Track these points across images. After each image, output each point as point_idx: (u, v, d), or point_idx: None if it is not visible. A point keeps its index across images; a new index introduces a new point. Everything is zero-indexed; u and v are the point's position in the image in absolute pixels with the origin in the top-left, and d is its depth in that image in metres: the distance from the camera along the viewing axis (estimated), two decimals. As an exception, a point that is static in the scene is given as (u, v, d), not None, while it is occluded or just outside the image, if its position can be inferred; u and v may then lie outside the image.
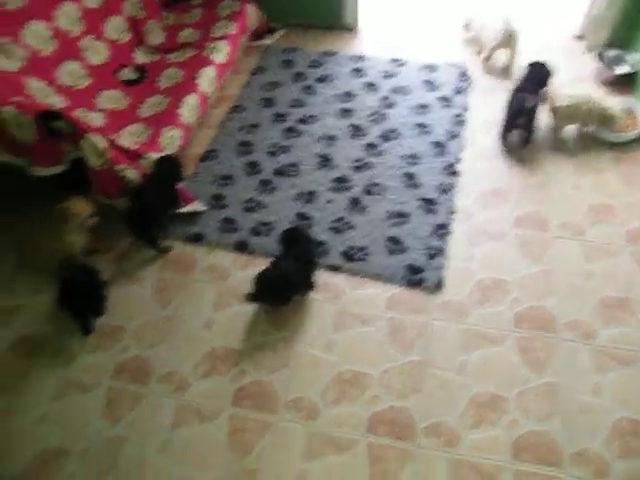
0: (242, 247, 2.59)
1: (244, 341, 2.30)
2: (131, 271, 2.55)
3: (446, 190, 2.75)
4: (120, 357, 2.29)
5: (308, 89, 3.34)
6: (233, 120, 3.19)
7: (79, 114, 2.68)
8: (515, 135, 2.92)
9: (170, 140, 2.69)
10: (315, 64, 3.50)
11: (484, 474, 1.92)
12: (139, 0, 3.25)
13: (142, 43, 3.28)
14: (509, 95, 2.91)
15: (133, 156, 2.53)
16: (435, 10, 3.93)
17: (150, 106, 2.95)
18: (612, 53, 3.26)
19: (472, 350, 2.23)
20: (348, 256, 2.52)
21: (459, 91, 3.25)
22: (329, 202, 2.73)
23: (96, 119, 2.78)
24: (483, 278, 2.44)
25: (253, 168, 2.92)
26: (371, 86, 3.32)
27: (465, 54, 3.53)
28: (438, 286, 2.41)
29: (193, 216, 2.70)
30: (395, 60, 3.48)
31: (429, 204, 2.69)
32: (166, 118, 2.79)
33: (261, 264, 2.38)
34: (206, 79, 3.01)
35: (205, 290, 2.47)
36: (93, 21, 2.99)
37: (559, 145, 2.95)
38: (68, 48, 2.83)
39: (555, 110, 2.88)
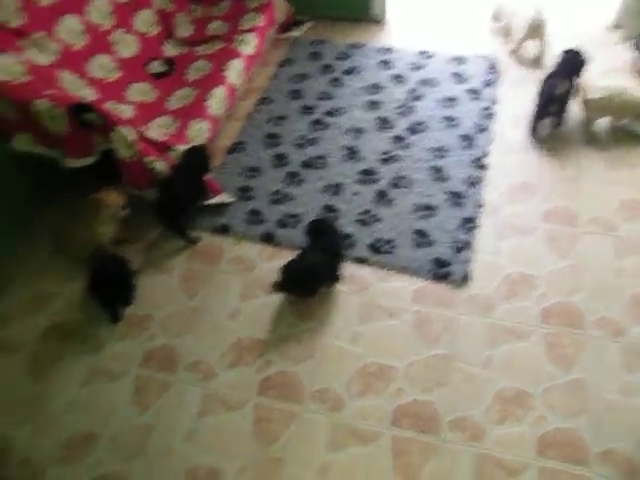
0: (268, 239, 2.61)
1: (270, 332, 2.32)
2: (159, 261, 2.59)
3: (474, 183, 2.72)
4: (148, 345, 2.33)
5: (335, 81, 3.34)
6: (261, 112, 3.21)
7: (109, 106, 2.72)
8: (546, 123, 2.86)
9: (198, 132, 2.71)
10: (343, 56, 3.49)
11: (509, 470, 1.91)
12: (168, -7, 3.29)
13: (171, 36, 3.31)
14: (540, 83, 2.86)
15: (162, 148, 2.57)
16: (464, 1, 3.87)
17: (178, 99, 2.98)
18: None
19: (498, 345, 2.21)
20: (375, 249, 2.52)
21: (488, 83, 3.21)
22: (356, 194, 2.73)
23: (126, 111, 2.82)
24: (510, 272, 2.42)
25: (280, 160, 2.93)
26: (399, 78, 3.30)
27: (495, 45, 3.48)
28: (465, 280, 2.39)
29: (220, 208, 2.73)
30: (423, 52, 3.45)
31: (456, 197, 2.67)
32: (194, 110, 2.82)
33: (287, 256, 2.40)
34: (234, 71, 3.02)
35: (231, 281, 2.49)
36: (123, 15, 3.03)
37: (591, 138, 2.89)
38: (99, 42, 2.88)
39: (587, 102, 2.82)
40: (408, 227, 2.58)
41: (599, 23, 3.53)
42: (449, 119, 3.03)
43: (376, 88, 3.26)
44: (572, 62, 2.85)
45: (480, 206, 2.64)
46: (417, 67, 3.36)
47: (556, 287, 2.35)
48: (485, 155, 2.85)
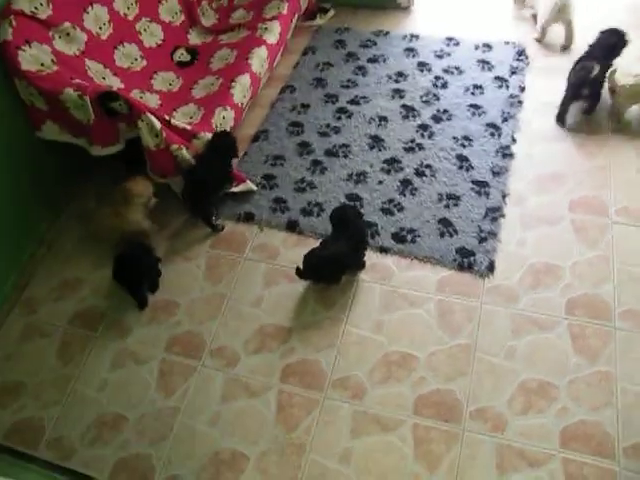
0: (292, 227, 2.62)
1: (293, 319, 2.34)
2: (184, 249, 2.62)
3: (499, 173, 2.69)
4: (173, 331, 2.37)
5: (360, 69, 3.31)
6: (284, 101, 3.21)
7: (135, 95, 2.75)
8: (576, 109, 2.80)
9: (222, 120, 2.72)
10: (367, 44, 3.46)
11: (531, 460, 1.91)
12: (192, -19, 3.29)
13: (195, 24, 3.31)
14: (573, 65, 2.78)
15: (187, 136, 2.59)
16: (492, -14, 3.79)
17: (203, 87, 3.00)
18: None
19: (522, 336, 2.19)
20: (398, 238, 2.51)
21: (515, 71, 3.15)
22: (380, 183, 2.72)
23: (151, 100, 2.84)
24: (535, 263, 2.39)
25: (304, 148, 2.93)
26: (424, 66, 3.26)
27: (522, 32, 3.40)
28: (489, 270, 2.37)
29: (245, 195, 2.74)
30: (449, 39, 3.40)
31: (482, 187, 2.65)
32: (218, 99, 2.83)
33: (311, 244, 2.41)
34: (258, 59, 3.02)
35: (255, 268, 2.51)
36: (148, 4, 3.05)
37: (621, 127, 2.82)
38: (125, 31, 2.90)
39: (619, 90, 2.75)
40: (432, 216, 2.57)
41: (630, 5, 3.42)
42: (475, 107, 2.99)
43: (401, 76, 3.23)
44: (609, 43, 2.77)
45: (505, 195, 2.61)
46: (443, 54, 3.31)
47: (582, 278, 2.32)
48: (511, 144, 2.81)
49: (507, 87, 3.07)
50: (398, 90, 3.15)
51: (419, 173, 2.74)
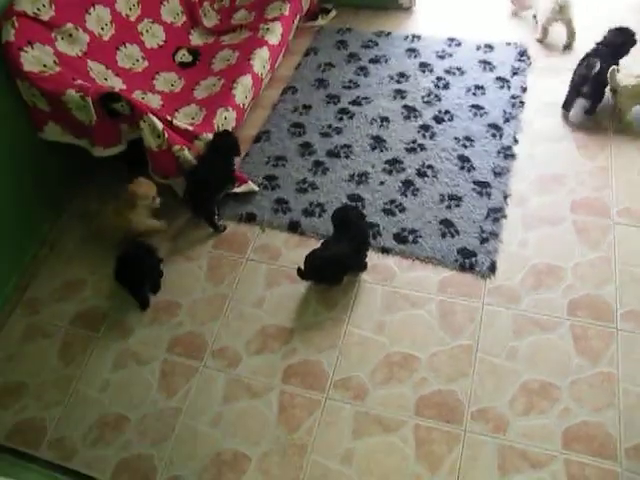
0: (294, 227, 2.62)
1: (294, 320, 2.34)
2: (186, 249, 2.63)
3: (501, 173, 2.69)
4: (175, 332, 2.37)
5: (361, 70, 3.31)
6: (286, 101, 3.21)
7: (137, 96, 2.75)
8: (578, 107, 2.80)
9: (224, 121, 2.73)
10: (368, 45, 3.46)
11: (533, 461, 1.90)
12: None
13: (197, 25, 3.31)
14: (579, 62, 2.79)
15: (189, 137, 2.59)
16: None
17: (204, 88, 3.00)
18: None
19: (523, 336, 2.19)
20: (400, 238, 2.51)
21: (517, 71, 3.15)
22: (381, 184, 2.72)
23: (153, 101, 2.85)
24: (537, 263, 2.38)
25: (306, 149, 2.93)
26: (426, 67, 3.26)
27: (524, 32, 3.39)
28: (490, 270, 2.37)
29: (246, 196, 2.75)
30: (451, 40, 3.39)
31: (483, 187, 2.64)
32: (220, 99, 2.83)
33: (313, 245, 2.41)
34: (259, 60, 3.02)
35: (257, 269, 2.52)
36: (150, 4, 3.05)
37: (624, 127, 2.81)
38: (127, 32, 2.90)
39: (621, 90, 2.74)
40: (434, 217, 2.56)
41: (628, 5, 3.41)
42: (477, 108, 2.99)
43: (402, 77, 3.23)
44: (617, 42, 2.76)
45: (507, 196, 2.61)
46: (444, 55, 3.31)
47: (584, 279, 2.31)
48: (513, 144, 2.81)
49: (509, 88, 3.07)
50: (400, 91, 3.15)
51: (421, 174, 2.74)
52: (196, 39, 3.29)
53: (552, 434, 1.95)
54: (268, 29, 3.19)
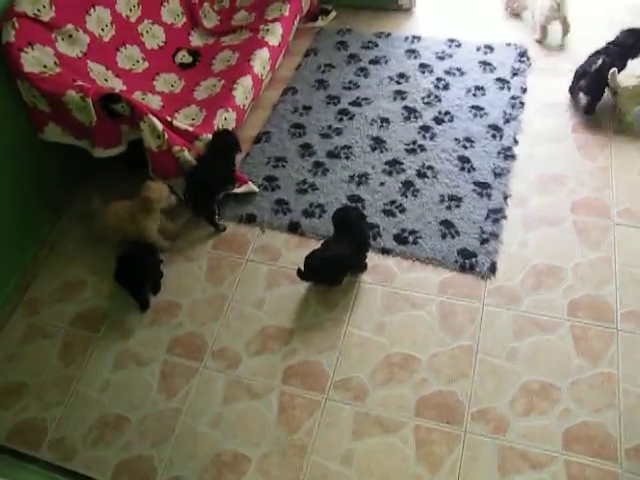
0: (294, 228, 2.62)
1: (294, 321, 2.34)
2: (186, 250, 2.63)
3: (501, 174, 2.69)
4: (175, 332, 2.37)
5: (361, 71, 3.31)
6: (286, 102, 3.21)
7: (137, 97, 2.75)
8: (580, 100, 2.83)
9: (224, 122, 2.73)
10: (369, 46, 3.46)
11: (533, 462, 1.90)
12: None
13: (197, 26, 3.31)
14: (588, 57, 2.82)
15: (189, 137, 2.59)
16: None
17: (204, 89, 3.00)
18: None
19: (524, 337, 2.19)
20: (400, 239, 2.51)
21: (516, 72, 3.15)
22: (381, 185, 2.72)
23: (153, 102, 2.85)
24: (537, 264, 2.38)
25: (306, 150, 2.93)
26: (426, 67, 3.26)
27: (524, 33, 3.39)
28: (490, 271, 2.37)
29: (246, 197, 2.75)
30: (451, 40, 3.40)
31: (483, 188, 2.64)
32: (220, 100, 2.83)
33: (312, 245, 2.41)
34: (260, 61, 3.02)
35: (257, 270, 2.52)
36: (150, 5, 3.05)
37: (624, 128, 2.81)
38: (127, 32, 2.91)
39: (621, 91, 2.74)
40: (434, 218, 2.57)
41: (627, 5, 3.41)
42: (477, 108, 2.99)
43: (402, 77, 3.23)
44: (627, 43, 2.77)
45: (507, 197, 2.61)
46: (444, 56, 3.31)
47: (584, 279, 2.31)
48: (513, 145, 2.81)
49: (509, 88, 3.07)
50: (400, 91, 3.15)
51: (421, 174, 2.74)
52: (196, 40, 3.29)
53: (552, 435, 1.95)
54: (268, 30, 3.19)
